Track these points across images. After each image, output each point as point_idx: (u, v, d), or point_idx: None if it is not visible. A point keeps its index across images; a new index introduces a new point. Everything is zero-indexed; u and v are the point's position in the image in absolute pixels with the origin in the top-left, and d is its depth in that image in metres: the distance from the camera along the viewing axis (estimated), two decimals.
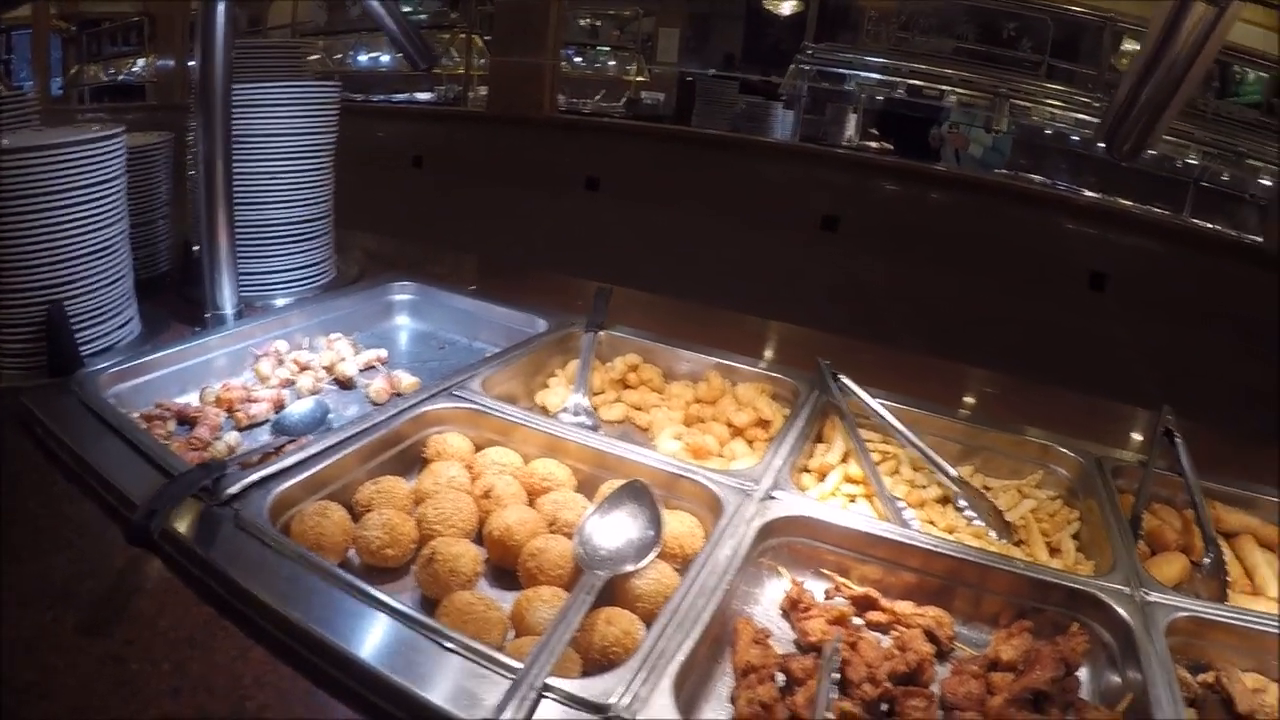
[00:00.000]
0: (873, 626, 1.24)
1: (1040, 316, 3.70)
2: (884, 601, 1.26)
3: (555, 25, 4.20)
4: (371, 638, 1.00)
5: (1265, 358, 3.72)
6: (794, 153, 4.67)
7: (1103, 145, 1.69)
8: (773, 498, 1.35)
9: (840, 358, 1.85)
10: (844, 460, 1.60)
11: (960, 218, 4.07)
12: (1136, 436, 1.90)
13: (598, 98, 5.93)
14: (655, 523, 1.23)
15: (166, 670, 0.97)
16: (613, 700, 0.92)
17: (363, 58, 5.66)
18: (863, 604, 1.27)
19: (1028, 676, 1.12)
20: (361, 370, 1.81)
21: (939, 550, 1.32)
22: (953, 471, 1.60)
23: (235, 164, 1.84)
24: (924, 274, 3.71)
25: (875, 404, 1.71)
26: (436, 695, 0.92)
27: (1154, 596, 1.27)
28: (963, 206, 4.20)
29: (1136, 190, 5.39)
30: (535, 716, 0.90)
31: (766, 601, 1.27)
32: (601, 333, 1.92)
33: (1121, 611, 1.23)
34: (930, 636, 1.20)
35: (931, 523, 1.51)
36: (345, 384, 1.78)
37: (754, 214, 3.80)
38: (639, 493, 1.28)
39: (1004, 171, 5.87)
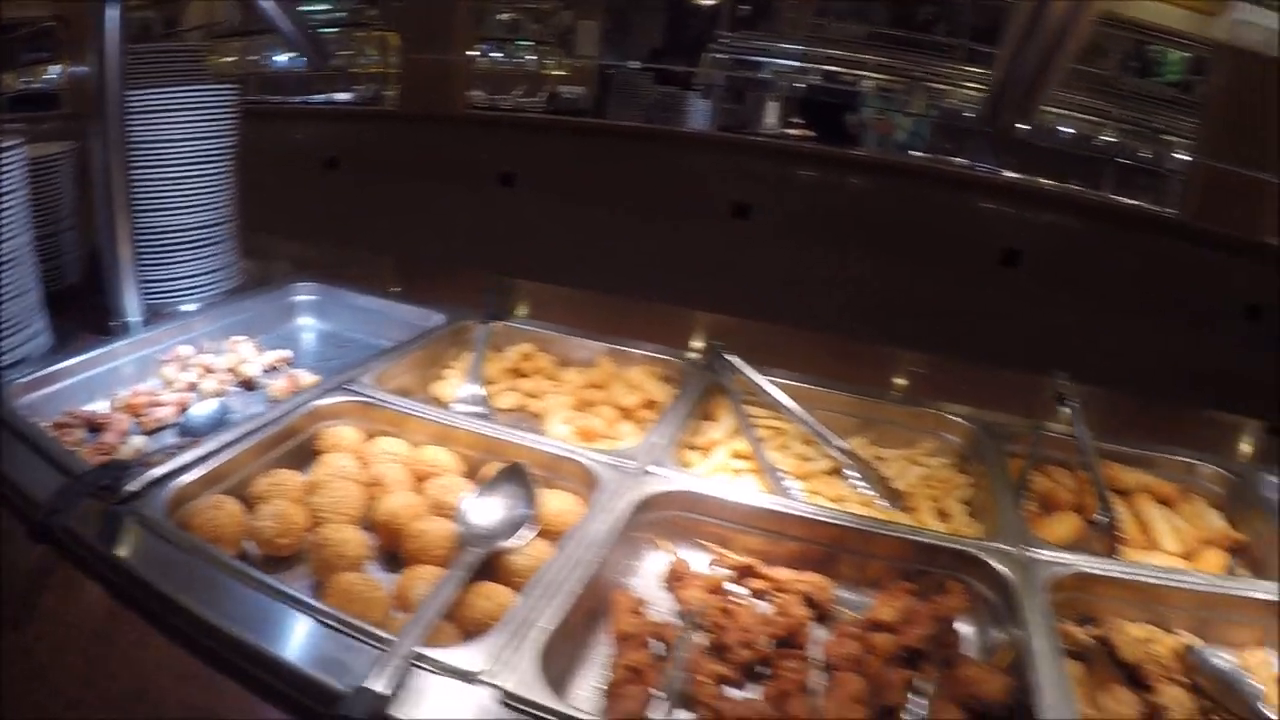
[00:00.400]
0: (756, 595, 1.30)
1: (952, 294, 3.76)
2: (763, 569, 1.31)
3: (466, 21, 4.20)
4: (257, 619, 1.03)
5: (1174, 325, 3.84)
6: (710, 142, 4.70)
7: (985, 120, 1.76)
8: (650, 473, 1.40)
9: (743, 340, 1.90)
10: (733, 437, 1.66)
11: (877, 201, 4.12)
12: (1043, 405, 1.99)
13: (517, 93, 5.88)
14: (532, 502, 1.28)
15: (74, 661, 1.01)
16: (479, 666, 0.97)
17: (280, 58, 5.59)
18: (744, 573, 1.32)
19: (902, 635, 1.18)
20: (265, 371, 1.84)
21: (819, 519, 1.38)
22: (840, 443, 1.66)
23: (133, 171, 1.85)
24: (837, 257, 3.75)
25: (763, 381, 1.76)
26: (312, 667, 0.96)
27: (1036, 554, 1.33)
28: (881, 190, 4.25)
29: (1056, 169, 5.52)
30: (408, 685, 0.95)
31: (650, 575, 1.33)
32: (498, 324, 1.96)
33: (1003, 569, 1.29)
34: (809, 601, 1.26)
35: (819, 493, 1.56)
36: (248, 385, 1.80)
37: (668, 204, 3.84)
38: (517, 474, 1.33)
39: (925, 155, 5.97)
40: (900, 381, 2.05)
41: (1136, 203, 5.12)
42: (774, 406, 1.74)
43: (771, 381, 1.77)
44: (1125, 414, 2.20)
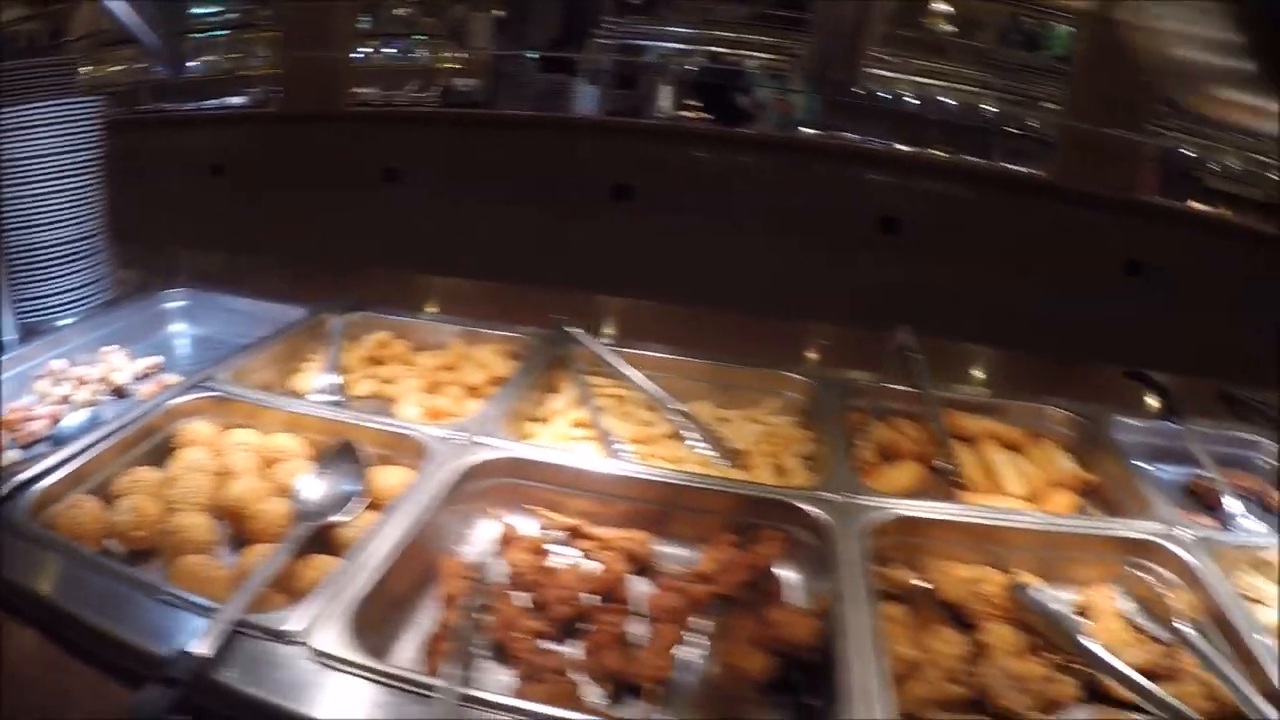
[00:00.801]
0: (586, 554, 1.39)
1: (829, 262, 3.89)
2: (589, 529, 1.41)
3: (346, 18, 4.21)
4: (107, 605, 1.12)
5: (1055, 282, 4.00)
6: (596, 127, 4.77)
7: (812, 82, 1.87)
8: (477, 444, 1.50)
9: (612, 316, 2.09)
10: (575, 407, 1.77)
11: (762, 177, 4.24)
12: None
13: (410, 88, 5.88)
14: (361, 478, 1.38)
15: None
16: (294, 628, 1.06)
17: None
18: (572, 534, 1.42)
19: (717, 584, 1.28)
20: (136, 378, 1.89)
21: (642, 478, 1.49)
22: (677, 406, 1.77)
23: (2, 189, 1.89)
24: (719, 232, 3.86)
25: (605, 352, 1.88)
26: (149, 639, 1.06)
27: (857, 500, 1.44)
28: (767, 167, 4.36)
29: (938, 139, 5.69)
30: (232, 648, 1.04)
31: (483, 542, 1.41)
32: (355, 315, 2.04)
33: (821, 516, 1.39)
34: (631, 557, 1.36)
35: (656, 456, 1.66)
36: (120, 393, 1.85)
37: (551, 190, 3.90)
38: (348, 452, 1.42)
39: (817, 131, 6.10)
40: (757, 346, 2.13)
41: (1012, 167, 5.32)
42: (618, 376, 1.85)
43: (616, 352, 1.89)
44: (984, 366, 2.37)
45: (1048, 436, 1.97)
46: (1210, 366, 3.43)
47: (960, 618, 1.34)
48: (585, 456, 1.57)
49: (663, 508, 1.47)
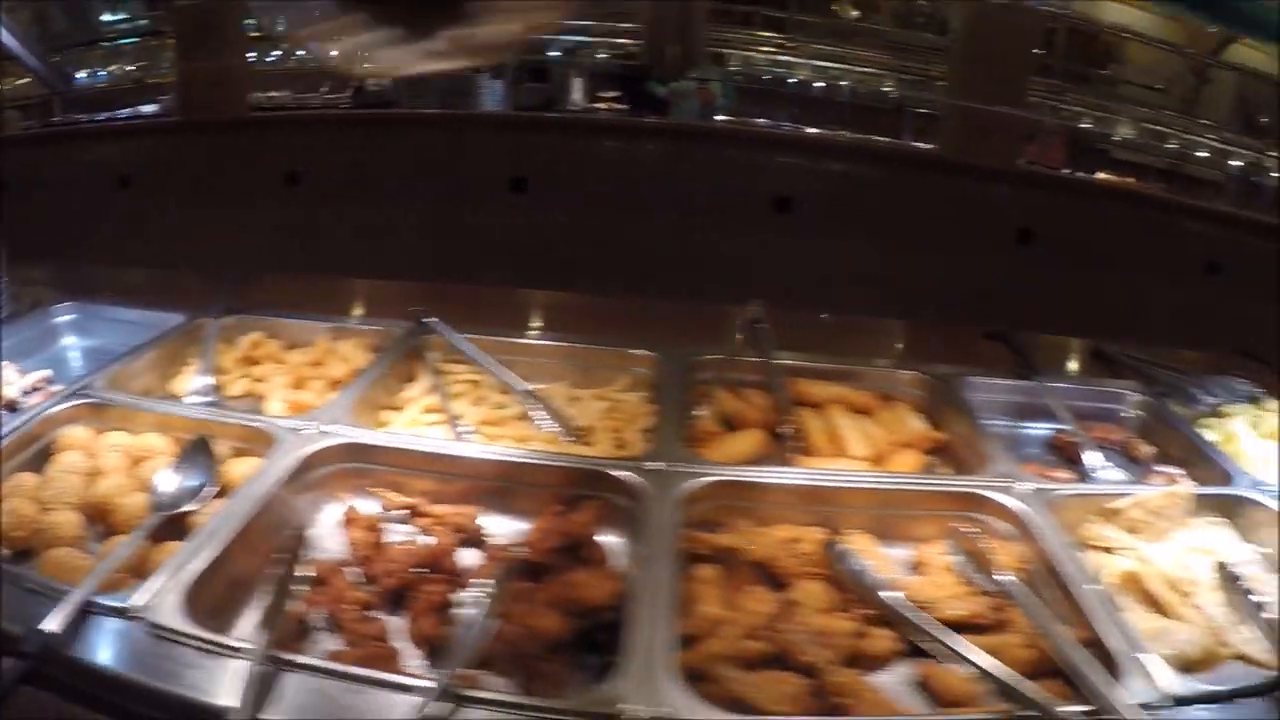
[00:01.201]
0: (426, 532, 1.53)
1: (723, 242, 4.04)
2: (425, 507, 1.56)
3: (237, 20, 4.23)
4: None
5: (949, 253, 4.13)
6: (498, 122, 4.87)
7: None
8: (324, 433, 1.64)
9: (489, 305, 2.27)
10: (429, 394, 1.93)
11: (664, 165, 4.36)
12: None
13: (324, 90, 5.85)
14: (213, 469, 1.52)
15: None
16: (132, 603, 1.20)
17: (81, 74, 5.49)
18: (411, 512, 1.56)
19: (532, 551, 1.42)
20: (25, 392, 1.97)
21: (481, 457, 1.65)
22: (524, 387, 1.93)
23: None
24: (615, 220, 3.98)
25: (459, 341, 2.04)
26: (10, 623, 1.17)
27: (676, 468, 1.59)
28: (671, 154, 4.46)
29: (848, 122, 5.87)
30: (83, 626, 1.17)
31: (326, 523, 1.57)
32: (232, 318, 2.17)
33: (639, 484, 1.54)
34: (460, 530, 1.50)
35: (504, 436, 1.82)
36: (11, 407, 1.92)
37: (451, 187, 4.00)
38: (203, 447, 1.57)
39: (729, 118, 6.22)
40: (622, 327, 2.27)
41: (905, 143, 5.48)
42: (474, 363, 2.01)
43: (472, 340, 2.05)
44: (855, 336, 2.53)
45: (901, 399, 2.13)
46: (1100, 326, 3.61)
47: (773, 577, 1.45)
48: (424, 440, 1.72)
49: (500, 484, 1.62)
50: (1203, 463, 2.05)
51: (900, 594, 1.37)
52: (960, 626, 1.36)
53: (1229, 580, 1.51)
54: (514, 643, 1.22)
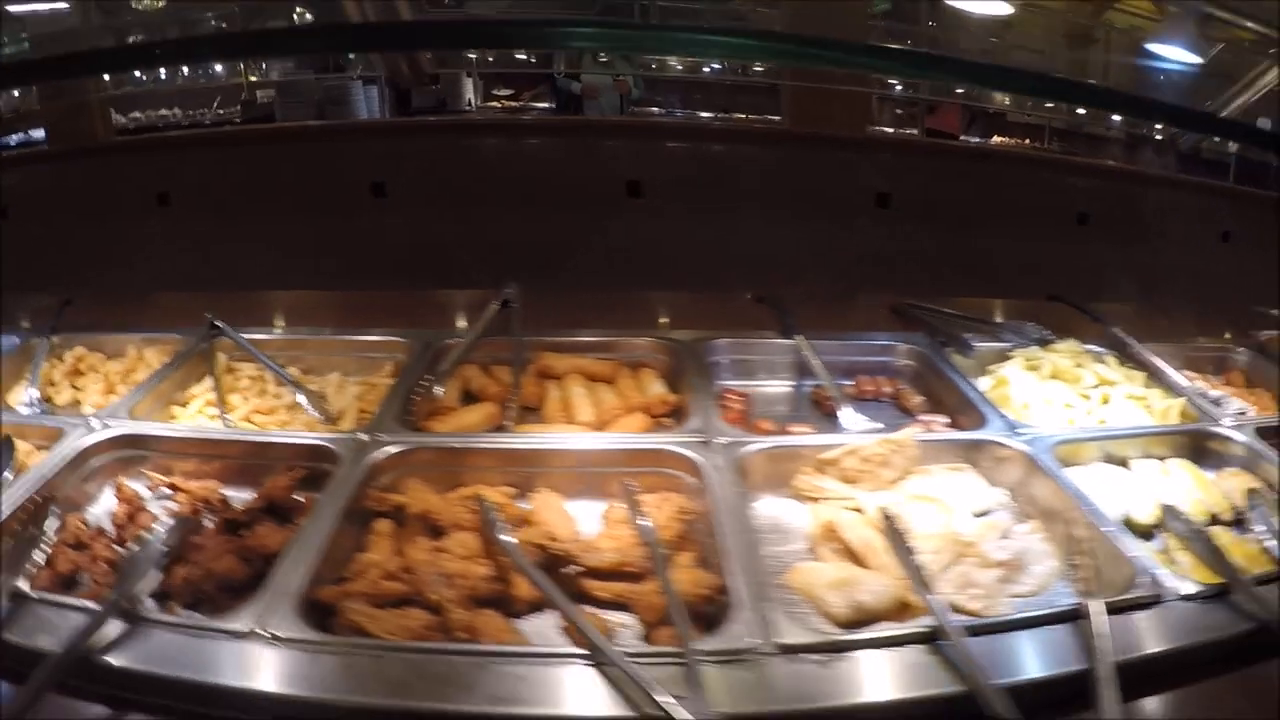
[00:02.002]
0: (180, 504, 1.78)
1: (581, 229, 4.26)
2: (181, 484, 1.83)
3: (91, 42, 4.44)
4: None
5: (810, 221, 4.38)
6: (365, 129, 5.01)
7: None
8: (107, 427, 1.92)
9: (282, 307, 2.58)
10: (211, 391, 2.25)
11: (528, 159, 4.59)
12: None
13: (215, 105, 5.94)
14: (9, 463, 1.79)
15: None
16: None
17: None
18: (172, 489, 1.83)
19: (232, 512, 1.72)
20: None
21: (227, 439, 2.01)
22: (289, 378, 2.24)
23: None
24: (464, 218, 4.19)
25: (243, 340, 2.35)
26: None
27: (376, 438, 1.89)
28: (544, 148, 4.73)
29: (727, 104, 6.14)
30: None
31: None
32: (56, 336, 2.42)
33: (337, 452, 1.84)
34: (203, 500, 1.78)
35: (273, 423, 2.15)
36: None
37: (312, 196, 4.13)
38: (7, 444, 1.83)
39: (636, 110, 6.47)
40: (411, 317, 2.59)
41: (751, 118, 5.72)
42: (258, 360, 2.32)
43: (260, 339, 2.38)
44: (623, 309, 2.82)
45: (650, 365, 2.43)
46: (963, 284, 3.88)
47: (439, 530, 1.66)
48: (183, 428, 2.05)
49: (259, 461, 1.92)
50: (966, 408, 2.30)
51: (515, 541, 1.55)
52: (609, 574, 1.58)
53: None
54: (192, 580, 1.50)
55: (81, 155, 4.44)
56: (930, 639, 1.36)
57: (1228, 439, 2.29)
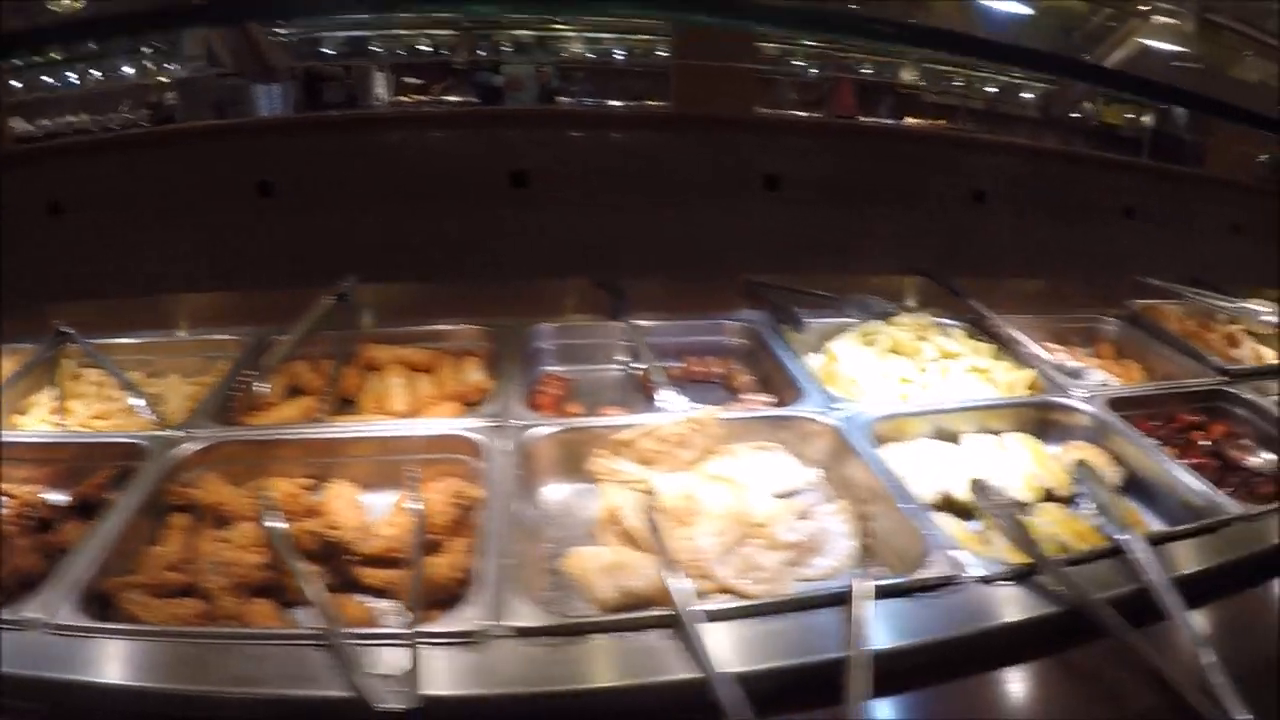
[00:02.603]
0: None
1: (464, 223, 4.28)
2: (6, 489, 1.85)
3: None
4: None
5: (702, 205, 4.44)
6: (249, 128, 4.96)
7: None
8: None
9: (148, 312, 2.68)
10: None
11: (425, 152, 4.58)
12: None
13: (123, 108, 5.78)
14: None
15: None
16: None
17: None
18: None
19: (33, 508, 1.78)
20: None
21: (49, 442, 2.10)
22: (127, 381, 2.30)
23: None
24: (348, 216, 4.17)
25: (89, 346, 2.42)
26: None
27: (181, 435, 1.98)
28: (439, 141, 4.72)
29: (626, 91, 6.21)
30: None
31: None
32: None
33: (150, 449, 1.93)
34: (27, 504, 1.82)
35: (111, 425, 2.22)
36: None
37: (200, 198, 4.15)
38: None
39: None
40: (259, 318, 2.64)
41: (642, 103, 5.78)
42: (103, 366, 2.39)
43: (105, 345, 2.45)
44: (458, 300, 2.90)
45: (475, 354, 2.51)
46: (844, 264, 3.95)
47: (222, 519, 1.74)
48: (12, 434, 2.09)
49: (82, 462, 1.97)
50: (789, 386, 2.39)
51: (282, 528, 1.64)
52: (380, 560, 1.67)
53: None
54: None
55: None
56: (671, 624, 1.40)
57: (1074, 410, 2.38)
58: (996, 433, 2.32)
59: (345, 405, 2.33)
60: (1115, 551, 1.66)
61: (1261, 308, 3.18)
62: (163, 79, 5.83)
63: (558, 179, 4.48)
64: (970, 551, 1.65)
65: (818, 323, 2.80)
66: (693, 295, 3.10)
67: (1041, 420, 2.39)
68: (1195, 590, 1.59)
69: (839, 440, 2.08)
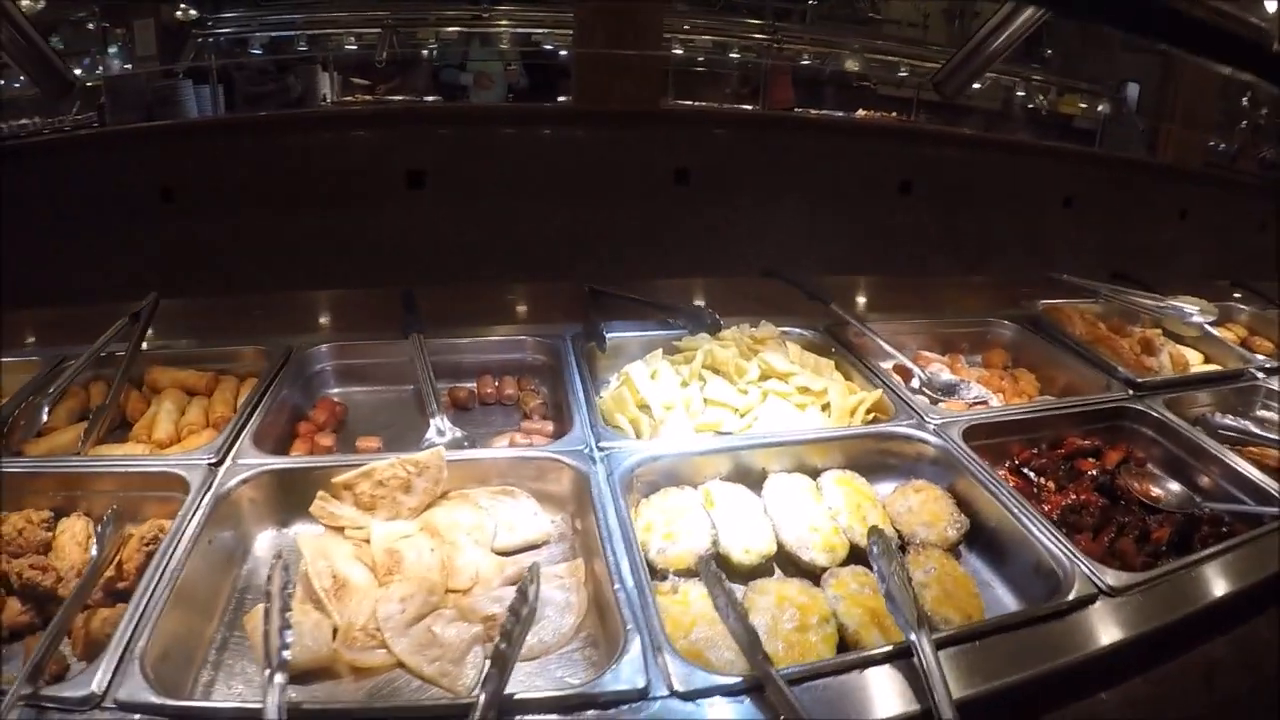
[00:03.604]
0: None
1: (355, 225, 4.30)
2: None
3: None
4: None
5: (605, 201, 4.50)
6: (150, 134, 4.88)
7: None
8: None
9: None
10: None
11: (328, 154, 4.58)
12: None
13: (75, 111, 5.42)
14: None
15: None
16: None
17: None
18: None
19: None
20: None
21: None
22: None
23: None
24: (256, 222, 4.24)
25: None
26: None
27: None
28: (342, 143, 4.70)
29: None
30: None
31: None
32: None
33: None
34: None
35: None
36: None
37: (102, 203, 4.11)
38: None
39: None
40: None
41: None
42: None
43: None
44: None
45: (256, 376, 2.39)
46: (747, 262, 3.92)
47: None
48: None
49: None
50: (566, 414, 2.22)
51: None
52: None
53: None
54: None
55: None
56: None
57: (917, 442, 2.15)
58: (819, 470, 2.10)
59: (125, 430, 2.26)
60: (903, 654, 1.45)
61: (1190, 306, 3.00)
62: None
63: (452, 179, 4.52)
64: (685, 655, 1.44)
65: (642, 336, 2.65)
66: (542, 302, 3.03)
67: (883, 453, 2.17)
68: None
69: (583, 488, 1.89)
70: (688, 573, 1.74)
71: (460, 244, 4.16)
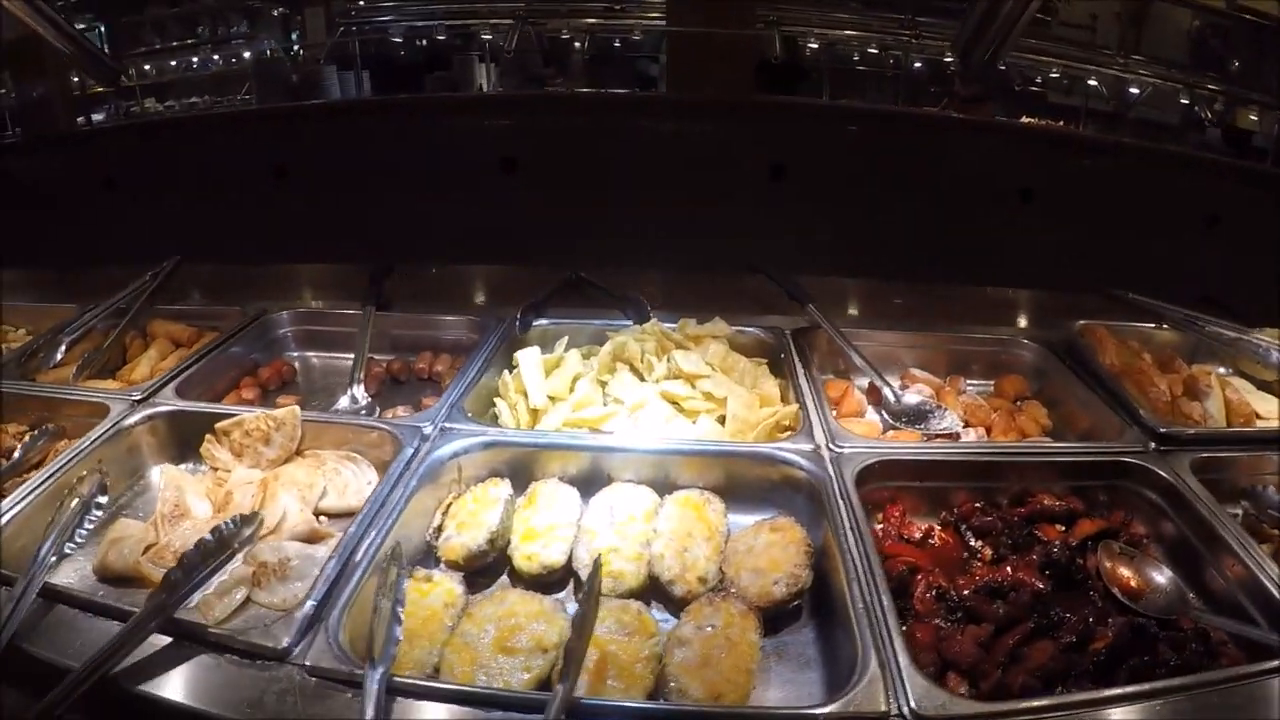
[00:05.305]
0: None
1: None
2: None
3: None
4: None
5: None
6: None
7: None
8: None
9: None
10: None
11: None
12: None
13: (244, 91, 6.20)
14: None
15: None
16: None
17: None
18: None
19: None
20: None
21: None
22: None
23: None
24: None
25: None
26: None
27: None
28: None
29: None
30: None
31: None
32: None
33: None
34: None
35: None
36: None
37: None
38: None
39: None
40: None
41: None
42: None
43: None
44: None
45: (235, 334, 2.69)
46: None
47: None
48: None
49: None
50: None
51: None
52: None
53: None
54: None
55: None
56: None
57: (786, 465, 1.88)
58: (676, 487, 1.92)
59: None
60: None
61: (1267, 341, 2.36)
62: None
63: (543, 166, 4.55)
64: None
65: (588, 325, 2.64)
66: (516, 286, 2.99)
67: (758, 478, 1.91)
68: None
69: (396, 466, 1.91)
70: (456, 566, 1.76)
71: (547, 230, 4.08)
